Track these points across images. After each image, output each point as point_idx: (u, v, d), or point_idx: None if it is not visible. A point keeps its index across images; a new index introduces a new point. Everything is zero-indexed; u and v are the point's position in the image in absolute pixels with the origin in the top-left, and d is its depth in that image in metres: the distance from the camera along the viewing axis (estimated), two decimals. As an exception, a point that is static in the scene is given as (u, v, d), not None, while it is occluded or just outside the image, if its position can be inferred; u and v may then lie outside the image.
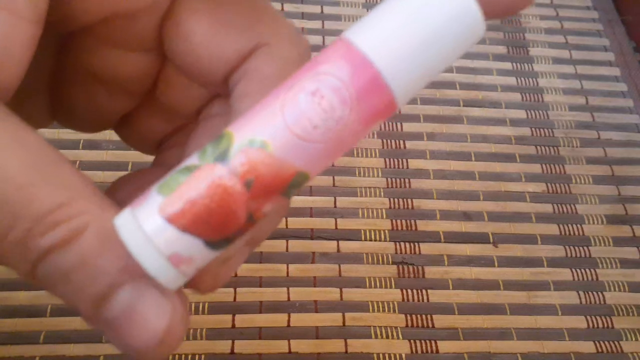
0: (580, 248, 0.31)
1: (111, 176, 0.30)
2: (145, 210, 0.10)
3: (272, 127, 0.10)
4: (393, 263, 0.29)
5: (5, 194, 0.10)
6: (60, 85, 0.15)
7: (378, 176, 0.32)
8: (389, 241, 0.30)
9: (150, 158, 0.17)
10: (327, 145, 0.10)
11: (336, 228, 0.30)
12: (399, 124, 0.34)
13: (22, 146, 0.10)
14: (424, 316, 0.28)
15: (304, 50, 0.14)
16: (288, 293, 0.28)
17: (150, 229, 0.10)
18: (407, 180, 0.32)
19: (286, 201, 0.11)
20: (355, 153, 0.32)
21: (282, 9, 0.37)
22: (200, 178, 0.10)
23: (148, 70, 0.15)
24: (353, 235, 0.30)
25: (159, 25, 0.14)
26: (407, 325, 0.27)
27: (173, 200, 0.10)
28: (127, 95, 0.15)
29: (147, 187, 0.11)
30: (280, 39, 0.13)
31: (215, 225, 0.10)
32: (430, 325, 0.28)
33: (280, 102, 0.10)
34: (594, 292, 0.30)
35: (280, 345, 0.26)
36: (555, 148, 0.34)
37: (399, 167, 0.32)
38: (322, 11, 0.38)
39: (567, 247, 0.31)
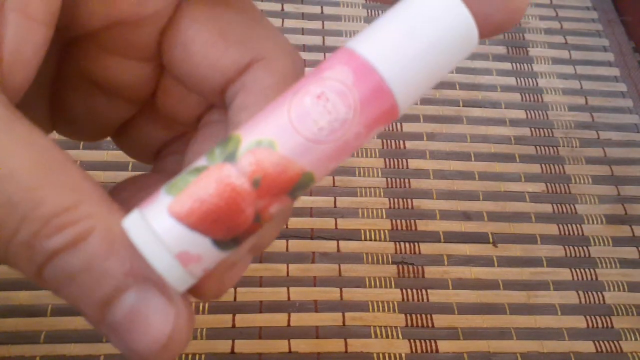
0: (580, 248, 0.31)
1: (111, 176, 0.30)
2: (154, 210, 0.10)
3: (280, 129, 0.10)
4: (393, 263, 0.29)
5: (14, 196, 0.10)
6: (60, 93, 0.15)
7: (378, 176, 0.32)
8: (389, 241, 0.30)
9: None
10: (332, 147, 0.10)
11: (336, 228, 0.30)
12: (398, 124, 0.34)
13: (31, 148, 0.10)
14: (423, 316, 0.28)
15: (299, 65, 0.14)
16: (288, 293, 0.28)
17: (159, 227, 0.10)
18: (407, 180, 0.32)
19: (290, 206, 0.11)
20: (355, 153, 0.32)
21: (282, 9, 0.37)
22: (209, 177, 0.10)
23: (147, 78, 0.15)
24: (353, 235, 0.30)
25: (160, 34, 0.14)
26: (406, 325, 0.27)
27: (182, 199, 0.10)
28: (126, 102, 0.15)
29: (150, 189, 0.11)
30: (278, 53, 0.14)
31: (224, 224, 0.10)
32: (430, 325, 0.28)
33: (287, 106, 0.10)
34: (594, 292, 0.30)
35: (281, 345, 0.26)
36: (554, 148, 0.34)
37: (399, 167, 0.32)
38: (322, 11, 0.38)
39: (566, 247, 0.31)
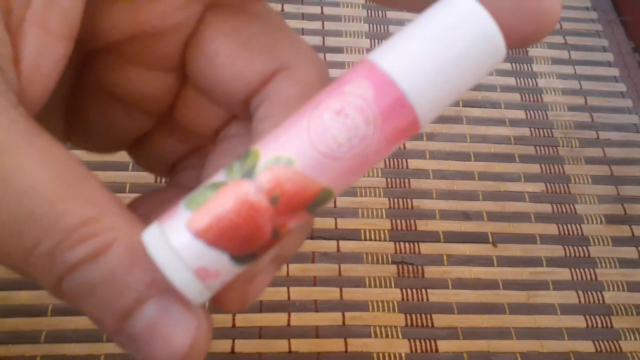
0: (579, 248, 0.31)
1: (111, 176, 0.30)
2: (172, 225, 0.10)
3: (298, 145, 0.10)
4: (393, 263, 0.29)
5: (36, 209, 0.10)
6: (77, 104, 0.15)
7: (378, 176, 0.32)
8: (389, 241, 0.30)
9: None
10: (351, 163, 0.10)
11: (336, 228, 0.30)
12: (398, 124, 0.34)
13: (52, 161, 0.10)
14: (423, 315, 0.28)
15: (324, 73, 0.14)
16: (288, 292, 0.28)
17: (178, 243, 0.10)
18: (406, 180, 0.32)
19: (311, 219, 0.11)
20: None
21: (282, 10, 0.37)
22: (227, 194, 0.10)
23: (168, 90, 0.15)
24: (353, 235, 0.30)
25: (184, 45, 0.14)
26: (406, 325, 0.28)
27: (200, 215, 0.10)
28: (144, 115, 0.15)
29: (167, 204, 0.11)
30: (302, 62, 0.13)
31: (242, 240, 0.10)
32: (430, 325, 0.28)
33: (306, 121, 0.10)
34: (593, 292, 0.30)
35: (281, 345, 0.26)
36: (554, 148, 0.34)
37: (398, 167, 0.32)
38: (322, 12, 0.38)
39: (566, 246, 0.31)
